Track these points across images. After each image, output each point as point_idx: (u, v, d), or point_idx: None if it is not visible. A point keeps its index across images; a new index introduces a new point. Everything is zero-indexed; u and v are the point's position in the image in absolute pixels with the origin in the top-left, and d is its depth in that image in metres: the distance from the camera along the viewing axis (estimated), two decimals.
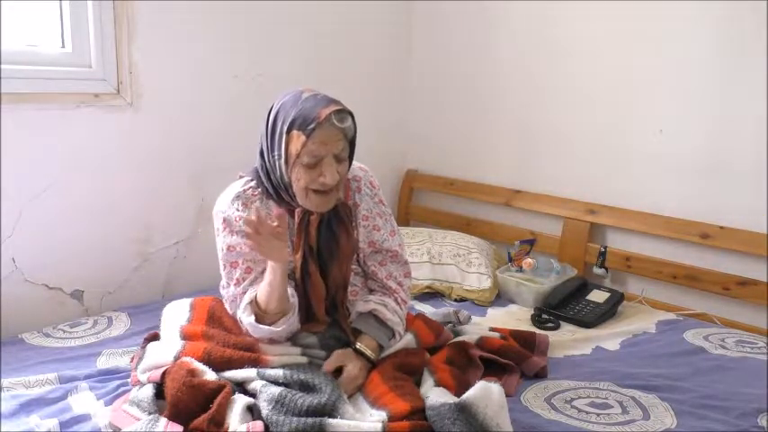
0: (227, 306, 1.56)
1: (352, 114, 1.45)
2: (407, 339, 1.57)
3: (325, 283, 1.51)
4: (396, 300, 1.58)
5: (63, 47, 1.91)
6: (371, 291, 1.61)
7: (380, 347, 1.51)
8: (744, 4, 1.96)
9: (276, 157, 1.43)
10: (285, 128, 1.39)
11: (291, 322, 1.45)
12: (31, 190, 1.86)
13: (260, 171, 1.50)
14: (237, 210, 1.49)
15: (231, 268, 1.50)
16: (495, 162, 2.62)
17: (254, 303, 1.44)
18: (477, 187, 2.67)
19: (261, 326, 1.42)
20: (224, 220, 1.51)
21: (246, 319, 1.43)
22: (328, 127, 1.38)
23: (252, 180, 1.53)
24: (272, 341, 1.46)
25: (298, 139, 1.38)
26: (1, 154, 1.79)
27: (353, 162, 1.55)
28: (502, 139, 2.60)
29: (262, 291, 1.43)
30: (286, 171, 1.42)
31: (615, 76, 2.25)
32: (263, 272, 1.46)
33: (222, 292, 1.57)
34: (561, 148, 2.43)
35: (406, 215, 2.88)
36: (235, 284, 1.49)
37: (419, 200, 2.91)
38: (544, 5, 2.39)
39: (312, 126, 1.37)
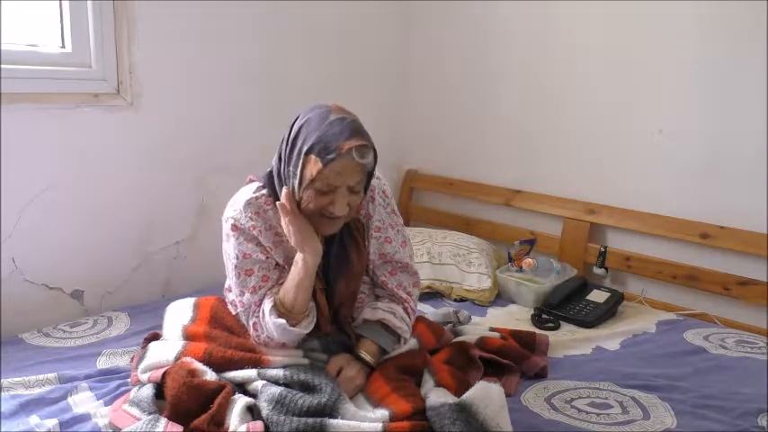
0: (232, 310, 1.55)
1: (374, 150, 1.40)
2: (409, 345, 1.56)
3: (331, 297, 1.49)
4: (405, 309, 1.56)
5: (63, 47, 1.91)
6: (378, 297, 1.59)
7: (382, 351, 1.50)
8: (744, 4, 1.96)
9: (291, 174, 1.39)
10: (305, 149, 1.34)
11: (312, 324, 1.44)
12: (31, 190, 1.86)
13: (275, 175, 1.46)
14: (251, 219, 1.44)
15: (246, 276, 1.45)
16: (495, 162, 2.62)
17: (278, 305, 1.41)
18: (477, 187, 2.67)
19: (292, 328, 1.38)
20: (235, 226, 1.45)
21: (275, 321, 1.38)
22: (347, 160, 1.33)
23: (263, 187, 1.48)
24: (283, 345, 1.44)
25: (315, 164, 1.33)
26: (1, 154, 1.79)
27: None
28: (502, 139, 2.59)
29: (288, 289, 1.39)
30: (298, 190, 1.38)
31: (615, 76, 2.25)
32: (278, 279, 1.45)
33: (230, 296, 1.55)
34: (561, 148, 2.43)
35: (406, 215, 2.88)
36: (250, 292, 1.44)
37: (419, 200, 2.91)
38: (544, 5, 2.39)
39: (331, 156, 1.32)
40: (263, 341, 1.45)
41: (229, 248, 1.48)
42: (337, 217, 1.39)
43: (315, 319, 1.44)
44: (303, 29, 2.43)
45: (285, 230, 1.40)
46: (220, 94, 2.23)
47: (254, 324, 1.45)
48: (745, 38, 1.97)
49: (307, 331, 1.42)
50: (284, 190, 1.37)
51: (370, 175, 1.44)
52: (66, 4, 1.88)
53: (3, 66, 1.75)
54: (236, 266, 1.46)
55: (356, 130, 1.36)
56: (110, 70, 1.96)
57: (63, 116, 1.89)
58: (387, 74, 2.80)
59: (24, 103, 1.81)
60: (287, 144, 1.40)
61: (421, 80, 2.83)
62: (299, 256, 1.39)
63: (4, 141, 1.78)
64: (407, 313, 1.56)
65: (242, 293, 1.46)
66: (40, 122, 1.85)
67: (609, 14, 2.24)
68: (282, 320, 1.38)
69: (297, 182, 1.37)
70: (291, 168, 1.38)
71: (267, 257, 1.46)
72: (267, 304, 1.41)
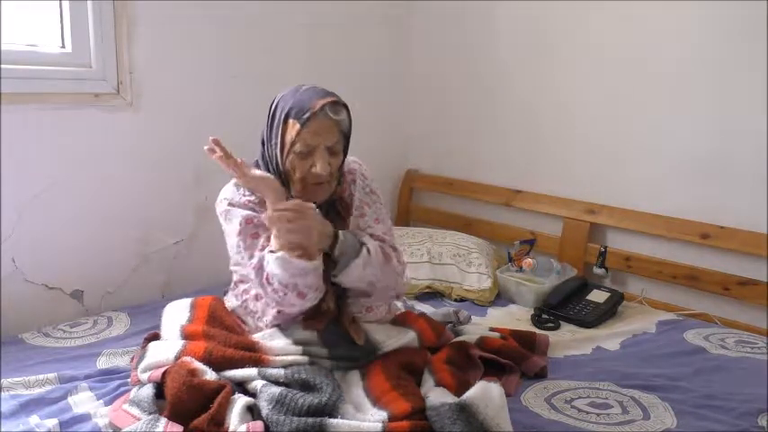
0: (236, 298, 1.58)
1: (347, 108, 1.48)
2: (410, 337, 1.56)
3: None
4: (381, 247, 1.52)
5: (63, 47, 1.91)
6: None
7: (336, 244, 1.44)
8: (744, 4, 1.96)
9: (273, 146, 1.47)
10: (282, 116, 1.44)
11: (320, 270, 1.41)
12: (31, 190, 1.86)
13: (260, 160, 1.54)
14: (244, 195, 1.53)
15: (252, 239, 1.48)
16: (495, 162, 2.63)
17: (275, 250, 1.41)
18: (477, 187, 2.67)
19: (292, 259, 1.36)
20: (231, 203, 1.53)
21: (275, 255, 1.37)
22: (322, 117, 1.42)
23: None
24: (299, 294, 1.40)
25: (293, 127, 1.42)
26: (1, 154, 1.79)
27: (348, 156, 1.57)
28: (502, 139, 2.60)
29: (273, 233, 1.42)
30: (281, 159, 1.46)
31: (615, 77, 2.25)
32: None
33: (242, 285, 1.58)
34: (561, 148, 2.43)
35: (406, 215, 2.88)
36: (260, 250, 1.46)
37: (419, 200, 2.91)
38: (544, 5, 2.39)
39: (307, 116, 1.41)
40: (280, 292, 1.41)
41: (231, 224, 1.52)
42: (322, 182, 1.45)
43: (321, 265, 1.41)
44: (303, 29, 2.43)
45: (231, 172, 1.49)
46: (220, 94, 2.24)
47: (267, 278, 1.43)
48: (746, 38, 1.97)
49: (312, 265, 1.38)
50: (210, 138, 1.45)
51: (348, 136, 1.50)
52: (66, 4, 1.88)
53: (3, 66, 1.76)
54: (240, 233, 1.48)
55: (327, 92, 1.47)
56: (110, 70, 1.97)
57: (63, 116, 1.89)
58: (387, 74, 2.80)
59: (24, 104, 1.81)
60: (268, 121, 1.50)
61: (421, 80, 2.83)
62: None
63: (4, 141, 1.79)
64: (385, 251, 1.52)
65: (252, 256, 1.47)
66: (40, 122, 1.85)
67: (609, 15, 2.24)
68: (282, 252, 1.37)
69: (279, 151, 1.46)
70: (273, 140, 1.47)
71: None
72: (266, 251, 1.42)
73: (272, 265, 1.40)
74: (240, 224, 1.50)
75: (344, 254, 1.45)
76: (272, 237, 1.43)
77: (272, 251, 1.41)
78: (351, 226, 1.58)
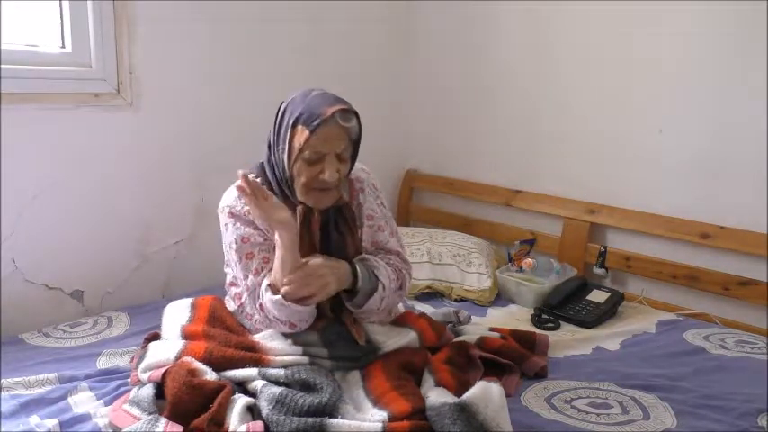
0: (234, 304, 1.57)
1: (357, 115, 1.46)
2: (410, 338, 1.56)
3: None
4: (395, 269, 1.55)
5: (63, 47, 1.91)
6: None
7: (355, 284, 1.47)
8: (744, 4, 1.96)
9: (280, 151, 1.45)
10: (291, 122, 1.42)
11: (314, 308, 1.45)
12: (31, 190, 1.86)
13: (266, 164, 1.52)
14: (245, 205, 1.50)
15: (247, 260, 1.50)
16: (495, 162, 2.63)
17: (273, 285, 1.43)
18: (477, 187, 2.67)
19: (288, 304, 1.39)
20: (231, 213, 1.52)
21: (271, 297, 1.41)
22: (332, 125, 1.40)
23: (257, 177, 1.52)
24: (291, 325, 1.45)
25: (301, 133, 1.40)
26: (1, 154, 1.79)
27: (356, 164, 1.56)
28: (502, 139, 2.60)
29: (275, 269, 1.43)
30: (288, 165, 1.44)
31: (615, 76, 2.25)
32: None
33: (233, 289, 1.58)
34: (561, 148, 2.43)
35: (406, 215, 2.88)
36: (254, 274, 1.49)
37: (419, 200, 2.91)
38: (544, 5, 2.39)
39: (316, 122, 1.39)
40: (273, 321, 1.46)
41: (228, 236, 1.53)
42: (329, 188, 1.44)
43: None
44: (304, 28, 2.43)
45: (252, 214, 1.46)
46: (220, 94, 2.24)
47: (261, 305, 1.46)
48: (746, 38, 1.97)
49: (301, 308, 1.41)
50: (239, 173, 1.40)
51: (357, 143, 1.49)
52: (66, 4, 1.88)
53: (3, 66, 1.75)
54: (236, 251, 1.50)
55: (338, 98, 1.45)
56: (110, 70, 1.96)
57: (63, 116, 1.89)
58: (387, 74, 2.80)
59: (24, 104, 1.81)
60: (275, 126, 1.47)
61: (421, 80, 2.83)
62: (276, 235, 1.43)
63: (4, 141, 1.78)
64: (394, 272, 1.55)
65: (246, 277, 1.50)
66: (40, 122, 1.85)
67: (609, 14, 2.24)
68: (278, 296, 1.40)
69: (286, 156, 1.44)
70: (280, 145, 1.45)
71: (266, 239, 1.50)
72: (264, 283, 1.44)
73: (268, 303, 1.42)
74: (236, 242, 1.50)
75: (361, 290, 1.48)
76: (273, 267, 1.44)
77: (269, 285, 1.42)
78: (365, 238, 1.58)
